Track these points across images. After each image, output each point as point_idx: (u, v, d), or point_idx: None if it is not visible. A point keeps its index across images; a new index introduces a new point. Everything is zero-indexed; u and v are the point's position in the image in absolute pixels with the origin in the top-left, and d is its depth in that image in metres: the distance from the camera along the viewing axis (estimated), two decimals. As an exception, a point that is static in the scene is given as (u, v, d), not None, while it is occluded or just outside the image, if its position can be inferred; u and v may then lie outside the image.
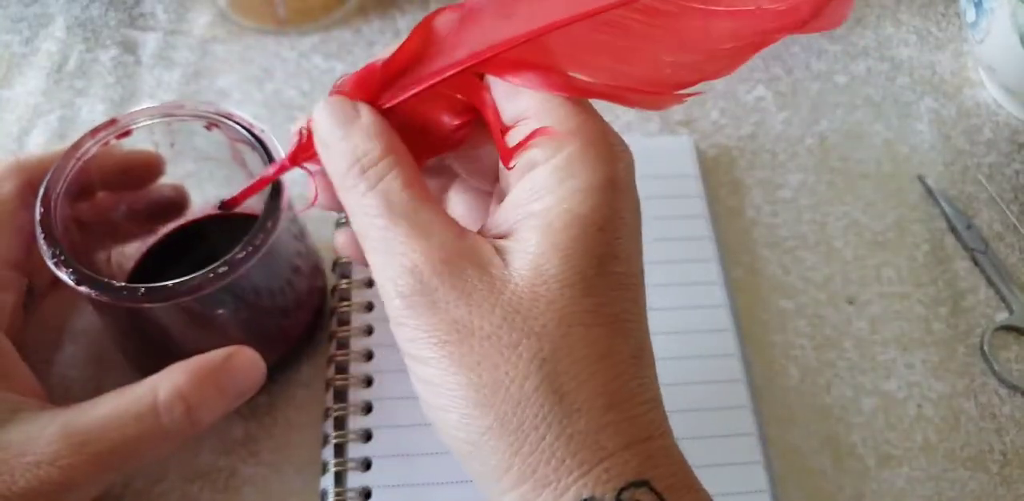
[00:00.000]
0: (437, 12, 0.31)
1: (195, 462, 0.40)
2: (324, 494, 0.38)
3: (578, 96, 0.29)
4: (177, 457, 0.40)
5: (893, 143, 0.53)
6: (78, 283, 0.33)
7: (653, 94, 0.29)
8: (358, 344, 0.42)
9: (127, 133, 0.37)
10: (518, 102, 0.29)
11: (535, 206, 0.28)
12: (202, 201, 0.43)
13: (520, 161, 0.29)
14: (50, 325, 0.43)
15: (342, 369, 0.41)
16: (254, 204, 0.41)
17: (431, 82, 0.30)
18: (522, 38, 0.28)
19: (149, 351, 0.39)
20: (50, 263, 0.33)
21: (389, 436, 0.40)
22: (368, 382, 0.41)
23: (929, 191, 0.51)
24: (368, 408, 0.40)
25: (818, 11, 0.27)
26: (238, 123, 0.37)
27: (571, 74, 0.28)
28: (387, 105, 0.31)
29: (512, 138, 0.29)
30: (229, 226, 0.42)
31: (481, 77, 0.30)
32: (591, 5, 0.27)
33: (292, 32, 0.55)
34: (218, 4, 0.56)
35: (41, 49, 0.54)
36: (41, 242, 0.34)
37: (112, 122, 0.37)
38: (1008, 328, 0.46)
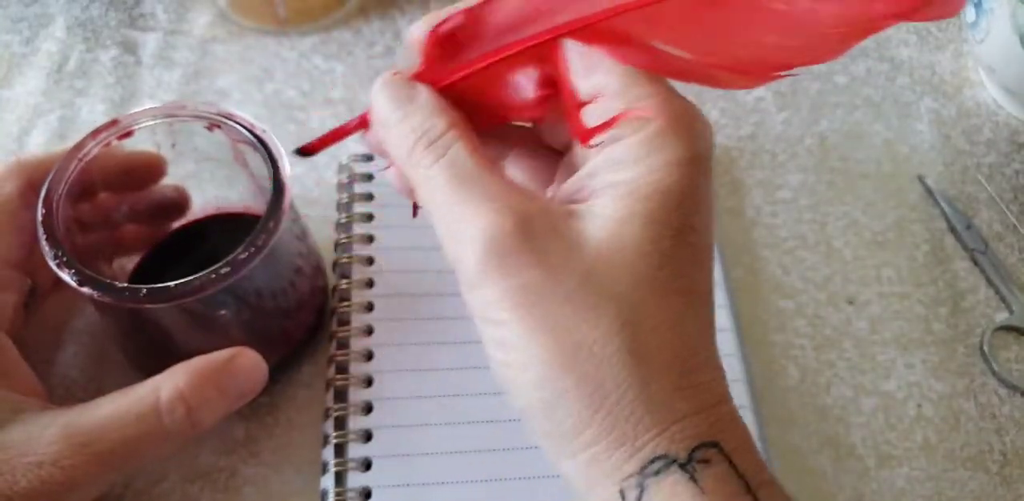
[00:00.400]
0: None
1: (196, 462, 0.40)
2: (324, 494, 0.38)
3: (663, 72, 0.29)
4: (178, 457, 0.40)
5: (893, 143, 0.53)
6: (80, 284, 0.33)
7: (745, 73, 0.29)
8: (358, 344, 0.42)
9: (129, 134, 0.37)
10: (595, 77, 0.29)
11: (619, 176, 0.28)
12: (203, 201, 0.43)
13: (610, 136, 0.29)
14: (51, 325, 0.43)
15: (342, 369, 0.41)
16: (256, 204, 0.42)
17: (508, 52, 0.30)
18: (622, 7, 0.28)
19: (150, 351, 0.39)
20: (52, 264, 0.33)
21: (389, 436, 0.40)
22: (368, 382, 0.41)
23: (929, 191, 0.51)
24: (368, 408, 0.40)
25: None
26: (239, 124, 0.37)
27: (661, 48, 0.28)
28: (457, 77, 0.31)
29: (590, 116, 0.29)
30: (230, 226, 0.42)
31: (559, 48, 0.30)
32: None
33: (292, 32, 0.55)
34: (218, 4, 0.56)
35: (41, 49, 0.54)
36: (43, 243, 0.34)
37: (113, 123, 0.37)
38: (1008, 328, 0.46)
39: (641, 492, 0.26)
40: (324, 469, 0.39)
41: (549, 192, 0.32)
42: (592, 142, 0.29)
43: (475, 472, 0.39)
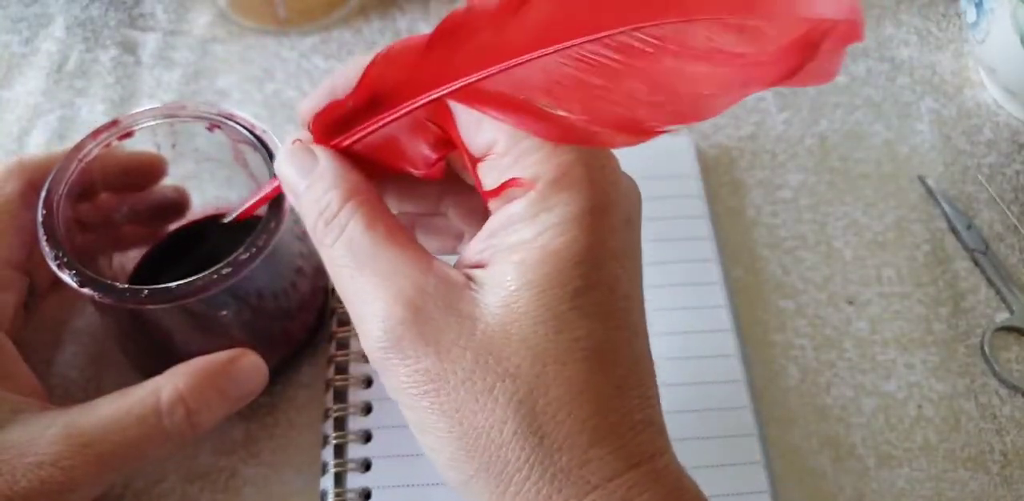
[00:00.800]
0: (403, 41, 0.30)
1: (195, 462, 0.40)
2: (324, 495, 0.38)
3: (542, 132, 0.27)
4: (177, 457, 0.40)
5: (893, 143, 0.53)
6: (81, 285, 0.33)
7: (624, 131, 0.27)
8: (358, 345, 0.42)
9: (129, 134, 0.37)
10: (484, 134, 0.28)
11: (511, 239, 0.27)
12: (203, 202, 0.43)
13: (497, 198, 0.28)
14: (50, 325, 0.43)
15: (342, 370, 0.41)
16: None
17: (398, 114, 0.29)
18: (494, 69, 0.27)
19: (151, 352, 0.39)
20: (53, 265, 0.33)
21: (389, 437, 0.40)
22: (368, 383, 0.41)
23: (929, 191, 0.51)
24: (368, 409, 0.40)
25: (804, 65, 0.25)
26: (240, 124, 0.37)
27: (541, 106, 0.27)
28: (353, 140, 0.31)
29: (488, 172, 0.29)
30: (231, 227, 0.42)
31: (446, 109, 0.29)
32: (563, 39, 0.26)
33: (292, 32, 0.55)
34: (218, 4, 0.56)
35: (41, 49, 0.54)
36: (43, 244, 0.34)
37: (114, 123, 0.37)
38: (1008, 329, 0.46)
39: None
40: (324, 469, 0.39)
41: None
42: (490, 205, 0.29)
43: (475, 472, 0.39)
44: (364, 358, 0.41)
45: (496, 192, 0.28)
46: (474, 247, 0.29)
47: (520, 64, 0.27)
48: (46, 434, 0.32)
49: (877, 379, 0.44)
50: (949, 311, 0.47)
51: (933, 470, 0.42)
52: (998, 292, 0.47)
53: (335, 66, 0.54)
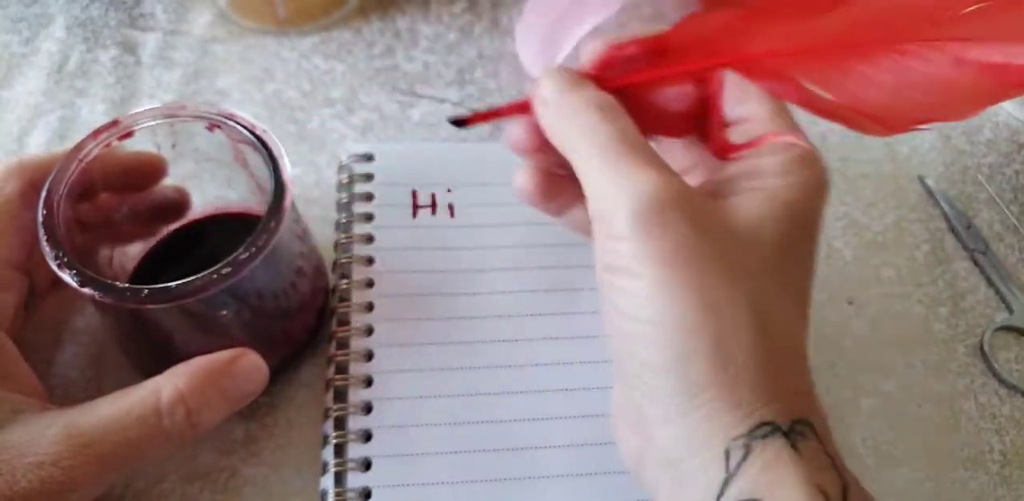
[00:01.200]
0: (716, 7, 0.35)
1: (195, 462, 0.40)
2: (324, 494, 0.38)
3: (807, 107, 0.32)
4: (177, 457, 0.40)
5: (893, 143, 0.53)
6: (81, 285, 0.33)
7: (882, 122, 0.31)
8: (358, 344, 0.42)
9: (129, 134, 0.37)
10: (747, 104, 0.33)
11: (760, 184, 0.32)
12: (203, 201, 0.43)
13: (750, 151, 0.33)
14: (50, 325, 0.43)
15: (342, 369, 0.41)
16: (256, 205, 0.42)
17: (674, 70, 0.34)
18: (784, 51, 0.32)
19: (151, 351, 0.39)
20: (53, 265, 0.33)
21: (389, 436, 0.40)
22: (368, 382, 0.41)
23: (929, 191, 0.51)
24: (368, 408, 0.40)
25: None
26: (240, 124, 0.37)
27: (809, 87, 0.31)
28: (623, 82, 0.35)
29: (732, 135, 0.34)
30: (231, 227, 0.42)
31: (719, 75, 0.34)
32: (856, 38, 0.31)
33: (292, 32, 0.55)
34: (218, 4, 0.56)
35: (41, 49, 0.54)
36: (44, 244, 0.34)
37: (114, 123, 0.37)
38: (1008, 328, 0.46)
39: (746, 453, 0.28)
40: (324, 469, 0.39)
41: None
42: (732, 156, 0.33)
43: (475, 472, 0.39)
44: (364, 358, 0.42)
45: (755, 143, 0.33)
46: (705, 186, 0.33)
47: (808, 49, 0.31)
48: (47, 434, 0.32)
49: (877, 379, 0.45)
50: (949, 311, 0.47)
51: (932, 470, 0.42)
52: (998, 292, 0.47)
53: (335, 66, 0.54)
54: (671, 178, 0.30)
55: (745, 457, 0.28)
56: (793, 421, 0.28)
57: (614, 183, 0.30)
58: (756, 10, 0.33)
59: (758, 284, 0.30)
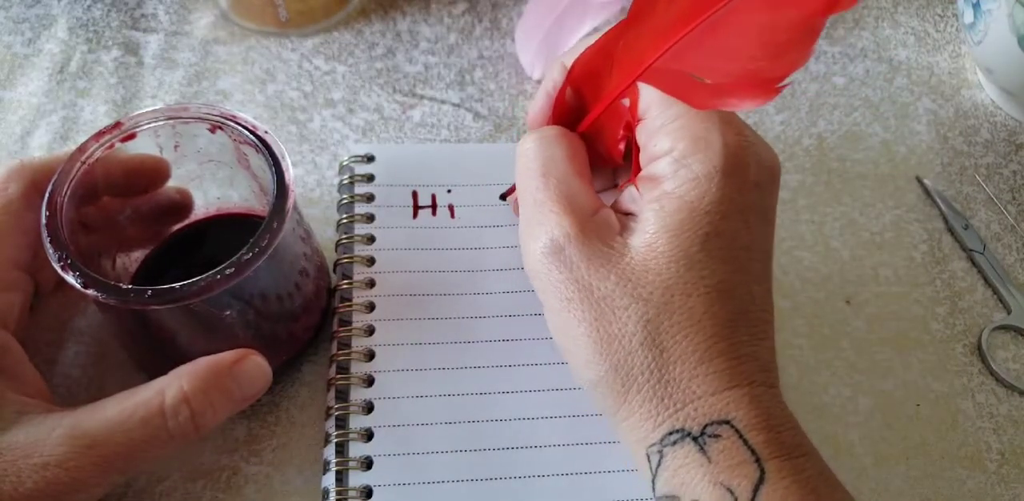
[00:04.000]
0: (587, 43, 0.37)
1: (197, 461, 0.40)
2: (325, 493, 0.39)
3: (696, 100, 0.33)
4: (180, 456, 0.40)
5: (891, 144, 0.53)
6: (85, 286, 0.33)
7: (752, 90, 0.32)
8: (359, 344, 0.42)
9: (131, 136, 0.37)
10: (642, 101, 0.35)
11: (655, 191, 0.34)
12: (205, 202, 0.43)
13: (647, 154, 0.35)
14: (53, 325, 0.43)
15: (344, 369, 0.41)
16: (258, 205, 0.42)
17: (609, 99, 0.36)
18: (665, 48, 0.33)
19: (154, 352, 0.39)
20: (57, 266, 0.33)
21: (390, 435, 0.40)
22: (369, 382, 0.41)
23: (927, 191, 0.51)
24: (369, 407, 0.40)
25: None
26: (242, 125, 0.37)
27: (695, 78, 0.33)
28: (582, 125, 0.38)
29: (639, 135, 0.35)
30: (233, 228, 0.42)
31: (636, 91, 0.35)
32: (701, 12, 0.32)
33: (293, 34, 0.55)
34: (220, 6, 0.56)
35: (43, 50, 0.54)
36: (47, 245, 0.34)
37: (116, 125, 0.37)
38: (1005, 328, 0.47)
39: (661, 458, 0.32)
40: (325, 468, 0.39)
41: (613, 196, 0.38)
42: (641, 163, 0.35)
43: (476, 471, 0.39)
44: (366, 357, 0.42)
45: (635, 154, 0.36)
46: (626, 197, 0.35)
47: (677, 42, 0.33)
48: (51, 435, 0.32)
49: (874, 378, 0.45)
50: (946, 310, 0.47)
51: (930, 469, 0.42)
52: (995, 292, 0.48)
53: (336, 67, 0.54)
54: (581, 216, 0.34)
55: (660, 462, 0.32)
56: (705, 424, 0.31)
57: (534, 222, 0.35)
58: (627, 20, 0.35)
59: (654, 304, 0.32)
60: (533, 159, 0.36)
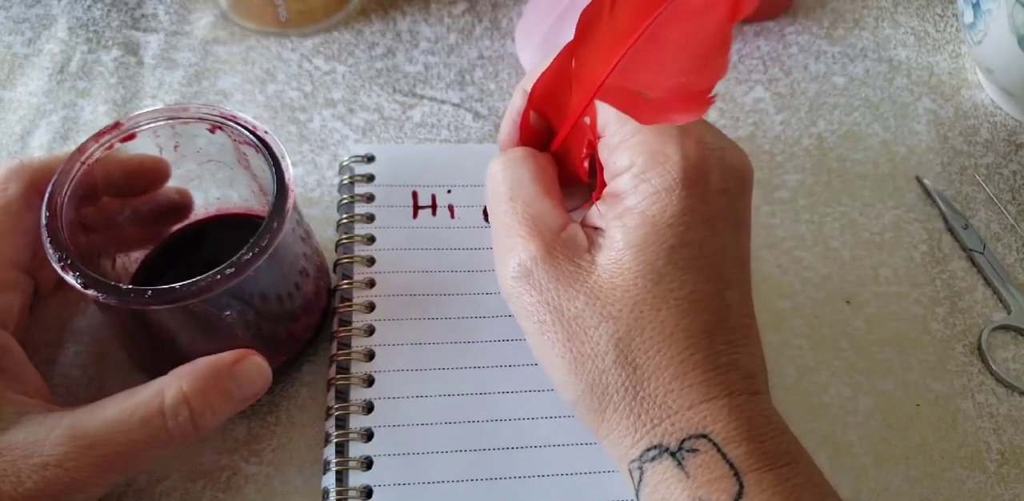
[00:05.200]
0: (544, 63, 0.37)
1: (197, 461, 0.40)
2: (326, 493, 0.39)
3: (641, 115, 0.33)
4: (179, 456, 0.40)
5: (891, 144, 0.53)
6: (85, 286, 0.33)
7: (685, 103, 0.32)
8: (359, 344, 0.42)
9: (131, 136, 0.37)
10: (600, 119, 0.35)
11: (618, 207, 0.34)
12: (205, 202, 0.43)
13: (609, 171, 0.35)
14: (53, 325, 0.43)
15: (344, 369, 0.41)
16: (258, 206, 0.42)
17: (572, 119, 0.36)
18: (612, 65, 0.33)
19: (154, 352, 0.39)
20: (57, 267, 0.33)
21: (390, 435, 0.40)
22: (369, 382, 0.41)
23: (927, 191, 0.51)
24: (369, 407, 0.40)
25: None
26: (242, 125, 0.37)
27: (641, 94, 0.33)
28: (552, 145, 0.39)
29: (601, 152, 0.35)
30: (233, 228, 0.42)
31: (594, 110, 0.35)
32: (637, 27, 0.32)
33: (293, 34, 0.55)
34: (220, 6, 0.56)
35: (43, 50, 0.54)
36: (47, 246, 0.34)
37: (116, 125, 0.37)
38: (1005, 328, 0.47)
39: (641, 474, 0.32)
40: (325, 468, 0.39)
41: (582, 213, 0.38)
42: (606, 179, 0.35)
43: (476, 471, 0.39)
44: (366, 357, 0.42)
45: (595, 197, 0.36)
46: (593, 213, 0.35)
47: (621, 58, 0.33)
48: (51, 435, 0.32)
49: (874, 378, 0.45)
50: (946, 310, 0.47)
51: (930, 469, 0.42)
52: (995, 292, 0.48)
53: (336, 67, 0.54)
54: (548, 236, 0.34)
55: (641, 478, 0.32)
56: (683, 439, 0.31)
57: (504, 247, 0.35)
58: (575, 39, 0.35)
59: (624, 322, 0.32)
60: (501, 182, 0.37)
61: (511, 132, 0.40)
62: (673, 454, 0.31)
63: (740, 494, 0.30)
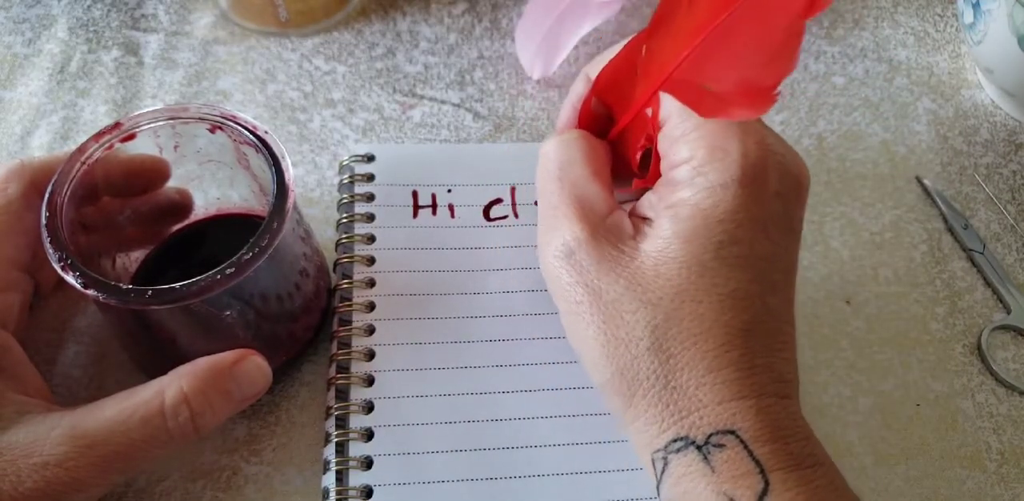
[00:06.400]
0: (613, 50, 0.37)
1: (197, 461, 0.40)
2: (326, 493, 0.39)
3: (703, 109, 0.33)
4: (179, 456, 0.40)
5: (891, 144, 0.53)
6: (85, 286, 0.33)
7: (751, 99, 0.32)
8: (359, 344, 0.42)
9: (131, 137, 0.37)
10: (663, 111, 0.35)
11: (671, 198, 0.34)
12: (205, 202, 0.43)
13: (667, 161, 0.35)
14: (53, 325, 0.43)
15: (344, 368, 0.41)
16: (258, 205, 0.42)
17: (635, 108, 0.36)
18: (683, 57, 0.33)
19: (154, 352, 0.39)
20: (57, 267, 0.33)
21: (390, 435, 0.40)
22: (369, 381, 0.41)
23: (927, 191, 0.51)
24: (369, 407, 0.40)
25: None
26: (242, 125, 0.37)
27: (706, 88, 0.33)
28: (610, 134, 0.39)
29: (660, 143, 0.35)
30: (233, 228, 0.42)
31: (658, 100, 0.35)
32: (714, 19, 0.32)
33: (294, 34, 0.55)
34: (220, 6, 0.56)
35: (44, 50, 0.54)
36: (47, 246, 0.34)
37: (116, 125, 0.37)
38: (1005, 328, 0.47)
39: (665, 465, 0.32)
40: (325, 467, 0.39)
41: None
42: (662, 169, 0.35)
43: (476, 470, 0.39)
44: (366, 357, 0.42)
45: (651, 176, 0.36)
46: (644, 203, 0.35)
47: (693, 51, 0.33)
48: (51, 435, 0.33)
49: (874, 378, 0.45)
50: (946, 310, 0.47)
51: (930, 469, 0.42)
52: (995, 292, 0.48)
53: (336, 67, 0.54)
54: (595, 219, 0.35)
55: (664, 469, 0.32)
56: (710, 434, 0.31)
57: (550, 227, 0.35)
58: (649, 29, 0.35)
59: (663, 310, 0.32)
60: (551, 160, 0.37)
61: (570, 118, 0.39)
62: (699, 447, 0.31)
63: (766, 491, 0.30)
